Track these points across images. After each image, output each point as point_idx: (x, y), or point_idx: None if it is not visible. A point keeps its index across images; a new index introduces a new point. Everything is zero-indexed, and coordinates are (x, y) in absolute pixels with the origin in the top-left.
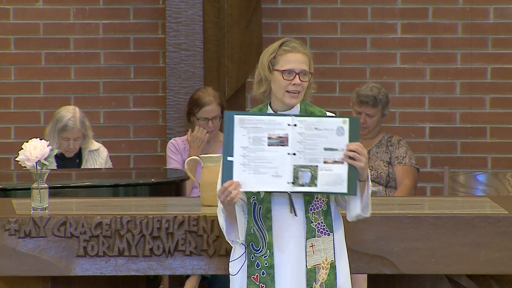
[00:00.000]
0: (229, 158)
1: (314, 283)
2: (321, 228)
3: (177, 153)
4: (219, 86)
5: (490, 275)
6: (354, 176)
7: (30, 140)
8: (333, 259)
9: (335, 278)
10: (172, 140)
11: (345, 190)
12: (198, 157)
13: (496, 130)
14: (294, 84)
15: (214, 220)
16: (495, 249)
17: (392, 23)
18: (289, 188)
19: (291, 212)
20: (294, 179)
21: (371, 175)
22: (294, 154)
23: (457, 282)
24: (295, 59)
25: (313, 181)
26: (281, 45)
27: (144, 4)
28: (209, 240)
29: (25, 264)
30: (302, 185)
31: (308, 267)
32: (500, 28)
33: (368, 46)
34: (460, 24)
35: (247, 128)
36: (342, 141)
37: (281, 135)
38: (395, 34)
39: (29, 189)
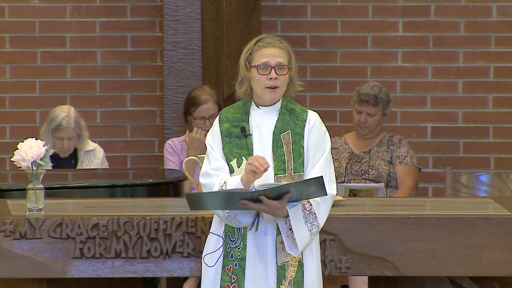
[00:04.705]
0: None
1: (283, 280)
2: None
3: (174, 154)
4: (217, 85)
5: (493, 277)
6: None
7: (26, 140)
8: (301, 256)
9: (303, 276)
10: (169, 141)
11: None
12: (196, 157)
13: (499, 130)
14: (270, 78)
15: (212, 221)
16: (498, 250)
17: (393, 21)
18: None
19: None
20: None
21: (371, 174)
22: None
23: (459, 284)
24: (269, 53)
25: None
26: (256, 42)
27: (141, 2)
28: None
29: (20, 266)
30: None
31: (278, 264)
32: (503, 26)
33: (369, 44)
34: (463, 22)
35: None
36: None
37: None
38: (397, 32)
39: (24, 189)
